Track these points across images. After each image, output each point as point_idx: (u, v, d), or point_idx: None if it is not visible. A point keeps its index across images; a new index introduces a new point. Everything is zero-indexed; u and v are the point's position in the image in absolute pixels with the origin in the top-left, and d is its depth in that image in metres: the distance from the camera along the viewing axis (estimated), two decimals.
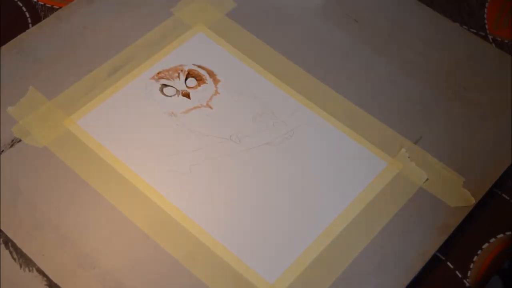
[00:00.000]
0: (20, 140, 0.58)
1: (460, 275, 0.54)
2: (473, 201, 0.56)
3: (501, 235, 0.56)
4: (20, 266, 0.52)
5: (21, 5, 0.68)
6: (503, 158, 0.59)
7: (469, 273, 0.54)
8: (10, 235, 0.53)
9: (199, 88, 0.62)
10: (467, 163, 0.58)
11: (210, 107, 0.61)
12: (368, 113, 0.61)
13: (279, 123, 0.60)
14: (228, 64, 0.64)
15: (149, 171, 0.57)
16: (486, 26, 0.69)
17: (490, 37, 0.68)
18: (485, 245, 0.56)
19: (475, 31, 0.68)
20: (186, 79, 0.63)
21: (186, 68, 0.63)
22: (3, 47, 0.64)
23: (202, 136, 0.59)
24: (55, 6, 0.68)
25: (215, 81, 0.62)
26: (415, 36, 0.66)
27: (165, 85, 0.62)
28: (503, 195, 0.58)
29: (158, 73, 0.63)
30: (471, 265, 0.55)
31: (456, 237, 0.55)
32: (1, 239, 0.53)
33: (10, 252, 0.53)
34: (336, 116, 0.61)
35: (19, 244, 0.53)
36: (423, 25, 0.67)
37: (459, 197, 0.56)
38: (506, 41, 0.68)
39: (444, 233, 0.54)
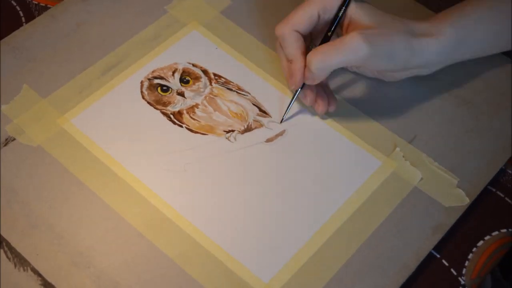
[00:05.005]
0: (14, 139, 0.58)
1: (455, 273, 0.54)
2: (467, 201, 0.56)
3: (496, 233, 0.56)
4: (15, 266, 0.52)
5: (14, 4, 0.68)
6: (497, 157, 0.59)
7: (464, 271, 0.54)
8: (4, 234, 0.53)
9: (193, 86, 0.62)
10: (462, 163, 0.58)
11: (205, 106, 0.61)
12: (363, 112, 0.61)
13: (274, 122, 0.60)
14: (223, 62, 0.64)
15: (144, 170, 0.57)
16: None
17: None
18: (480, 243, 0.56)
19: None
20: (181, 77, 0.62)
21: (180, 67, 0.63)
22: None
23: (196, 134, 0.59)
24: (48, 5, 0.68)
25: (210, 79, 0.62)
26: None
27: (160, 84, 0.62)
28: (498, 192, 0.58)
29: (152, 71, 0.63)
30: (466, 263, 0.55)
31: (451, 235, 0.55)
32: None
33: (5, 252, 0.53)
34: (330, 115, 0.60)
35: (13, 244, 0.53)
36: None
37: (453, 196, 0.56)
38: None
39: (439, 232, 0.54)
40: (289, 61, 0.58)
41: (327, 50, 0.55)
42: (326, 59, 0.55)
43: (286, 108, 0.60)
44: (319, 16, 0.57)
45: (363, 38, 0.54)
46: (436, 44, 0.57)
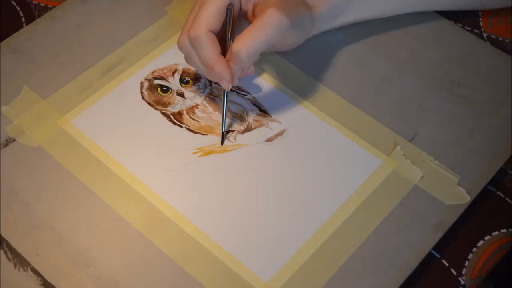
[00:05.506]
0: (14, 140, 0.58)
1: (455, 273, 0.54)
2: (468, 199, 0.56)
3: (496, 233, 0.56)
4: (15, 266, 0.52)
5: (15, 4, 0.68)
6: (498, 156, 0.59)
7: (464, 271, 0.54)
8: (4, 234, 0.53)
9: (193, 86, 0.62)
10: (462, 161, 0.58)
11: (205, 106, 0.61)
12: (363, 111, 0.61)
13: (274, 122, 0.60)
14: None
15: (144, 170, 0.57)
16: (481, 24, 0.69)
17: (484, 34, 0.68)
18: (480, 243, 0.56)
19: (469, 28, 0.68)
20: (180, 78, 0.62)
21: (180, 67, 0.63)
22: None
23: (196, 135, 0.59)
24: (49, 5, 0.68)
25: (210, 80, 0.62)
26: (409, 33, 0.66)
27: (160, 84, 0.62)
28: (498, 192, 0.58)
29: (152, 72, 0.63)
30: (466, 263, 0.55)
31: (451, 235, 0.55)
32: None
33: (5, 252, 0.53)
34: (330, 115, 0.61)
35: (13, 244, 0.53)
36: (417, 23, 0.67)
37: (454, 195, 0.56)
38: (501, 38, 0.68)
39: (439, 230, 0.54)
40: (209, 66, 0.55)
41: (251, 33, 0.54)
42: (253, 43, 0.53)
43: (222, 119, 0.58)
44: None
45: (281, 12, 0.54)
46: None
